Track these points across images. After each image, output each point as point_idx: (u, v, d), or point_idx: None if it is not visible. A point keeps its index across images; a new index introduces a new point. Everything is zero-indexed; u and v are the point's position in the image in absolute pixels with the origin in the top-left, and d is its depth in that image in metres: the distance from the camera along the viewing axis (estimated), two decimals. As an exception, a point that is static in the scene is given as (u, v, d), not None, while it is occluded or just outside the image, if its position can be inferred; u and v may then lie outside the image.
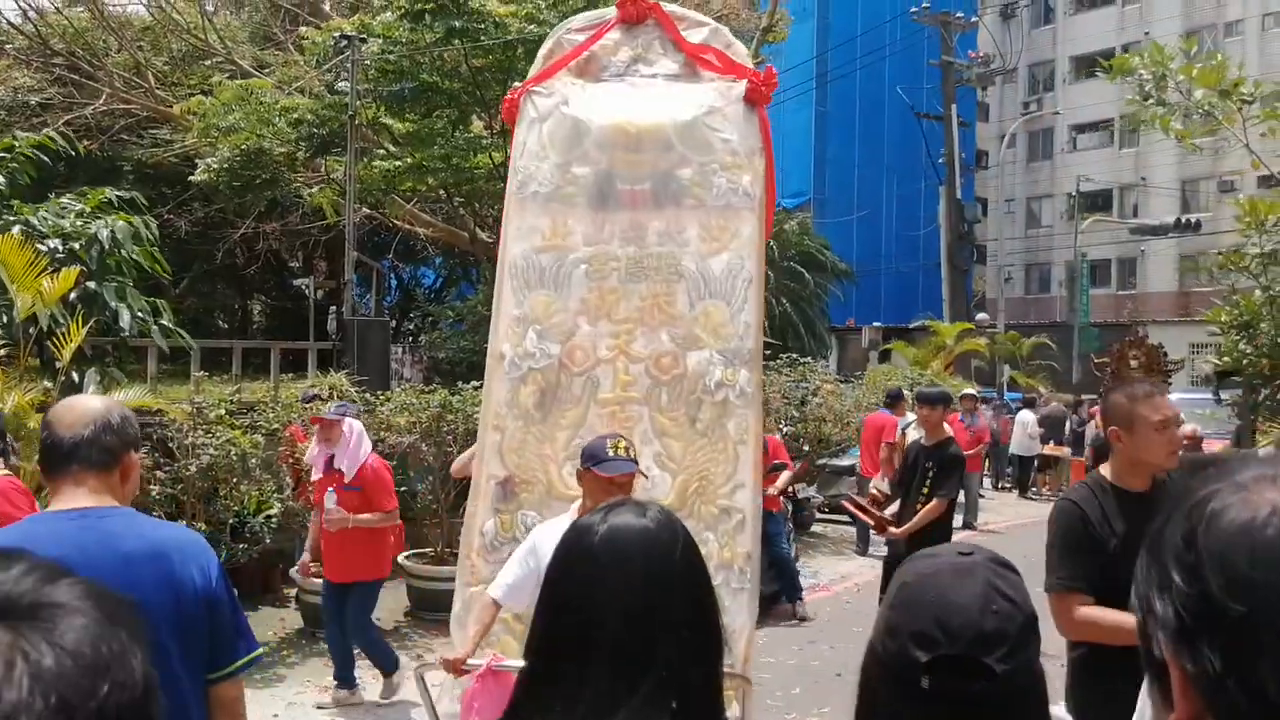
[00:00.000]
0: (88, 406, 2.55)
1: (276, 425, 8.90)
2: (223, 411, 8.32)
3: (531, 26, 13.82)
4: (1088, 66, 43.35)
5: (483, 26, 13.89)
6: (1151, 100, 8.13)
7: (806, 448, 12.91)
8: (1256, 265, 7.47)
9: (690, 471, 4.83)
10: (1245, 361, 7.06)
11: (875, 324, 29.30)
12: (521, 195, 5.17)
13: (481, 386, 10.93)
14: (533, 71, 5.48)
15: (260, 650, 2.65)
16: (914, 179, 35.97)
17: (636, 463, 3.82)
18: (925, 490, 7.06)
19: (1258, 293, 7.78)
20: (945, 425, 7.57)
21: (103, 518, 2.39)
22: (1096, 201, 40.12)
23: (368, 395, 9.51)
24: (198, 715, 2.41)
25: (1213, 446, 9.71)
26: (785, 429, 12.45)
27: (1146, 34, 39.06)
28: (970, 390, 16.45)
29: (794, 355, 14.71)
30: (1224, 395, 10.01)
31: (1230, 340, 7.23)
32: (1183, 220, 30.18)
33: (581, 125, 5.18)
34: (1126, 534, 3.17)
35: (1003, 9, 43.43)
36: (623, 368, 4.98)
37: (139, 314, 7.50)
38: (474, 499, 4.95)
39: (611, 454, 3.70)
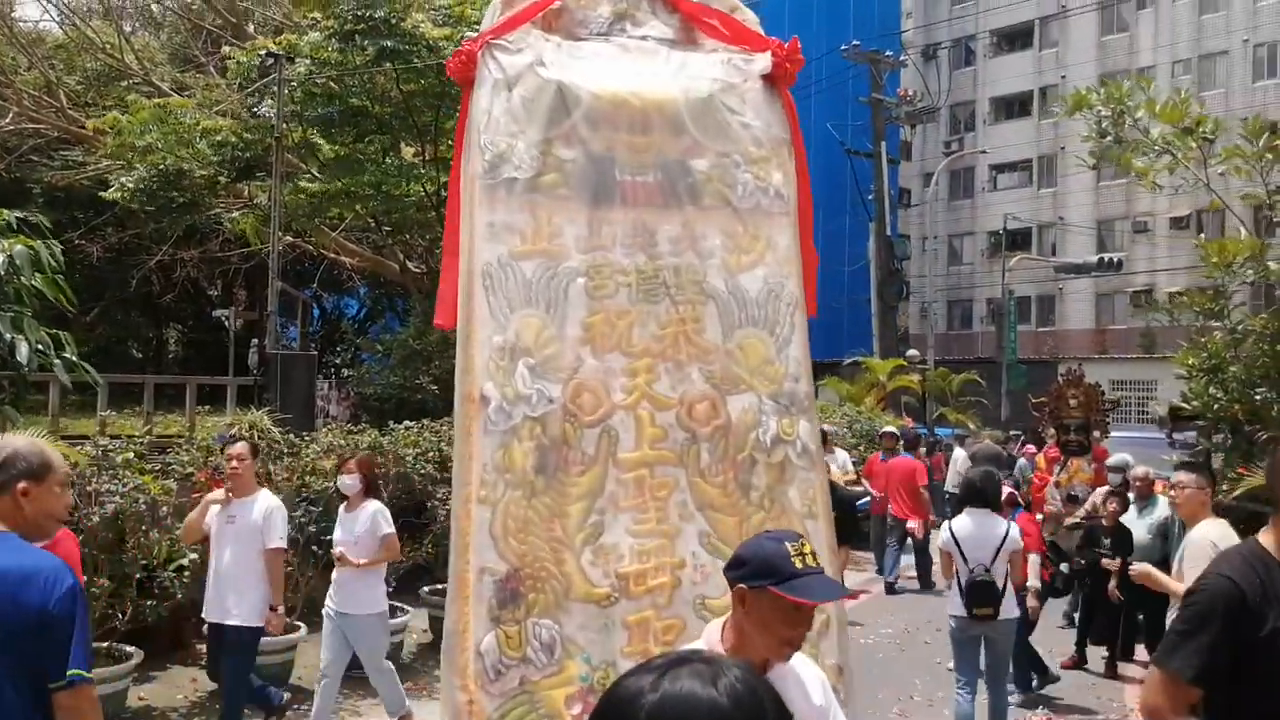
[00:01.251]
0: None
1: (191, 469, 8.25)
2: (130, 455, 7.65)
3: (467, 51, 13.39)
4: (1007, 108, 44.36)
5: (415, 50, 13.42)
6: (1109, 137, 7.94)
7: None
8: (1220, 306, 7.30)
9: None
10: (1216, 406, 6.85)
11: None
12: (491, 181, 3.90)
13: (415, 426, 10.61)
14: (488, 22, 4.23)
15: (83, 675, 2.78)
16: (840, 215, 36.17)
17: (841, 583, 2.80)
18: None
19: (1218, 335, 7.61)
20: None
21: None
22: (1016, 240, 40.75)
23: (292, 436, 8.90)
24: (32, 708, 2.72)
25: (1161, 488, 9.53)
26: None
27: (1063, 77, 40.00)
28: (890, 428, 14.74)
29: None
30: (1177, 437, 9.90)
31: (1199, 384, 7.02)
32: (1104, 259, 30.69)
33: (568, 93, 4.03)
34: None
35: (924, 50, 44.20)
36: (648, 416, 3.81)
37: (39, 347, 6.87)
38: (457, 602, 3.56)
39: (800, 565, 2.55)
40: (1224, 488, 8.12)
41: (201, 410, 12.77)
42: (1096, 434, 12.82)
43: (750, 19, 4.48)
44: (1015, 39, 44.50)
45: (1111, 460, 9.81)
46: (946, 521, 7.15)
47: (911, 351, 27.96)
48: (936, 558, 8.24)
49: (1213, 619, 2.77)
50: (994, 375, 31.90)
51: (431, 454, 9.49)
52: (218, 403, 13.95)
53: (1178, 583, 5.60)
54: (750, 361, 3.98)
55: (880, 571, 13.03)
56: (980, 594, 6.44)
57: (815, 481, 3.94)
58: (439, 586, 9.73)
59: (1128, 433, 15.05)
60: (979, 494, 6.67)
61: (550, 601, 3.58)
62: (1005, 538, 6.52)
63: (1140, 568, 6.03)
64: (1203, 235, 7.64)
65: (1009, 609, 6.57)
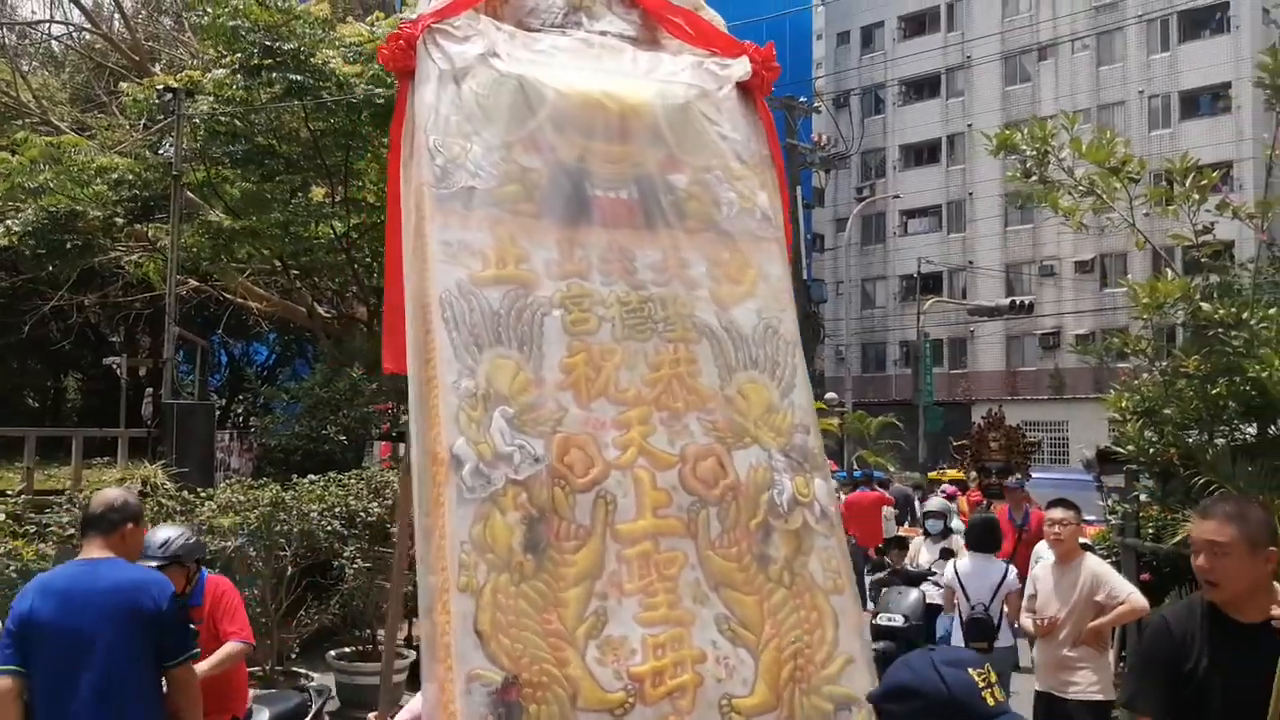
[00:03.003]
0: (105, 494, 4.10)
1: (72, 530, 7.64)
2: (2, 516, 7.03)
3: (379, 90, 12.99)
4: (916, 155, 45.34)
5: (325, 86, 12.99)
6: (1034, 177, 7.84)
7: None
8: (1152, 349, 7.20)
9: (777, 645, 3.12)
10: (1151, 450, 6.72)
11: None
12: (445, 190, 3.24)
13: (321, 479, 10.08)
14: (425, 4, 3.67)
15: (195, 651, 4.06)
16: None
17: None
18: None
19: (1145, 376, 7.51)
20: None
21: (98, 564, 3.86)
22: (928, 283, 41.46)
23: (186, 492, 8.33)
24: (152, 690, 3.86)
25: (1088, 532, 9.43)
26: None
27: (969, 125, 40.97)
28: None
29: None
30: (1106, 480, 9.84)
31: (1134, 428, 6.89)
32: (1015, 302, 31.25)
33: (530, 90, 3.43)
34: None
35: (835, 98, 45.05)
36: (648, 477, 3.16)
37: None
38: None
39: (991, 702, 2.03)
40: (1149, 531, 8.01)
41: (94, 464, 12.03)
42: (1017, 476, 12.76)
43: (716, 20, 3.99)
44: (923, 88, 45.60)
45: (931, 504, 10.25)
46: (951, 561, 7.95)
47: (829, 395, 28.05)
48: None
49: (1156, 657, 3.10)
50: (910, 417, 32.16)
51: (338, 509, 8.98)
52: (113, 455, 13.19)
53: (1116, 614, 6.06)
54: (753, 410, 3.39)
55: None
56: (978, 630, 7.10)
57: (837, 550, 3.38)
58: (346, 650, 9.21)
59: (1048, 474, 15.09)
60: (983, 539, 7.45)
61: (555, 713, 2.86)
62: (1003, 579, 7.20)
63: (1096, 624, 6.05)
64: (1129, 276, 7.58)
65: (1004, 638, 7.23)
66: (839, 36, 47.99)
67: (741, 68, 3.83)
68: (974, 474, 13.03)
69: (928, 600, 8.84)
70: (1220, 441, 7.01)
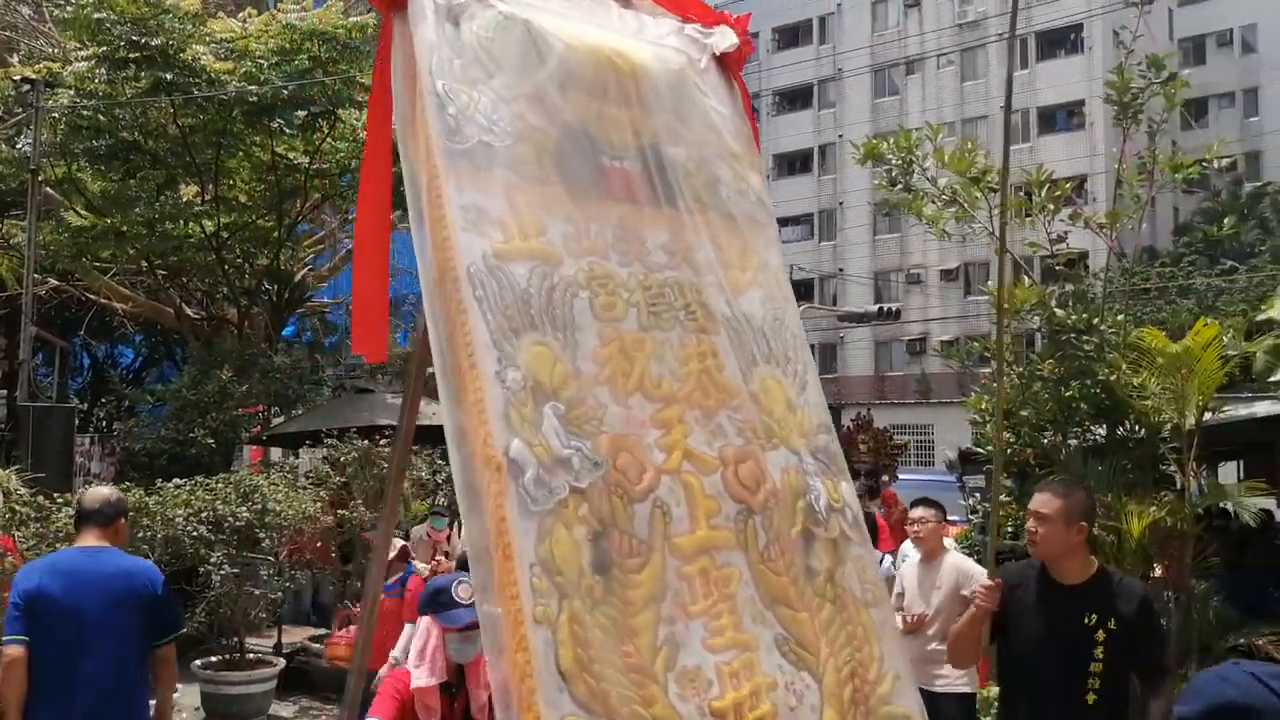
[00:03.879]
0: (98, 491, 4.78)
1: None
2: None
3: (252, 86, 12.70)
4: (789, 164, 46.27)
5: (195, 83, 12.64)
6: (899, 186, 8.13)
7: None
8: (1012, 353, 7.53)
9: (835, 665, 2.83)
10: (1010, 451, 7.03)
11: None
12: (459, 146, 2.74)
13: (187, 483, 9.76)
14: None
15: (183, 630, 4.96)
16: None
17: None
18: None
19: (1005, 380, 7.84)
20: None
21: (100, 551, 4.45)
22: (800, 290, 42.34)
23: (42, 497, 7.99)
24: (145, 665, 4.51)
25: (950, 531, 9.75)
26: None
27: (840, 136, 42.05)
28: None
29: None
30: (967, 480, 10.22)
31: (993, 429, 7.21)
32: (883, 309, 32.14)
33: (538, 38, 3.01)
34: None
35: (714, 106, 45.59)
36: (696, 483, 2.79)
37: None
38: None
39: None
40: (1009, 529, 8.37)
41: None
42: (885, 478, 13.13)
43: None
44: (796, 99, 46.57)
45: None
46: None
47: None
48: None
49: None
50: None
51: (205, 513, 8.74)
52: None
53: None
54: (775, 409, 3.07)
55: None
56: None
57: (868, 559, 3.13)
58: (212, 659, 8.98)
59: (914, 475, 15.58)
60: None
61: None
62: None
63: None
64: (990, 283, 7.91)
65: None
66: (716, 46, 48.63)
67: (724, 38, 3.51)
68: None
69: None
70: (1073, 442, 7.39)
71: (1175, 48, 35.73)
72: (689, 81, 3.34)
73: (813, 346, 43.66)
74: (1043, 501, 3.95)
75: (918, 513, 6.56)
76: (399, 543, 7.71)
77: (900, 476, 14.53)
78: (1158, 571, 6.57)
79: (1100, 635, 3.80)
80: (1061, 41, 39.90)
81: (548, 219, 2.82)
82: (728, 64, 3.52)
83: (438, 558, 9.77)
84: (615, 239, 2.95)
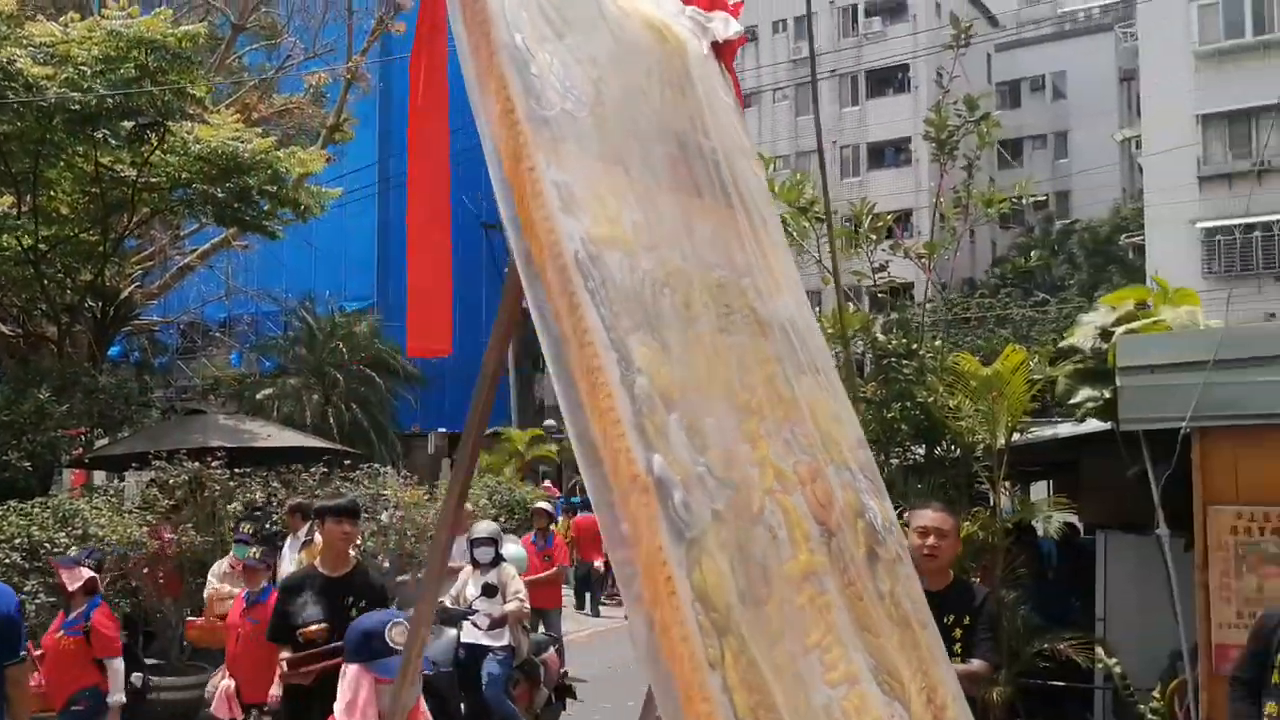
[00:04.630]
0: None
1: None
2: None
3: (74, 94, 12.19)
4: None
5: (11, 87, 12.05)
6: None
7: (387, 564, 12.05)
8: (842, 372, 7.87)
9: (915, 691, 2.62)
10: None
11: (441, 430, 28.98)
12: (546, 113, 2.29)
13: (1, 508, 9.20)
14: None
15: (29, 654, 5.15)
16: (477, 287, 36.47)
17: None
18: None
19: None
20: None
21: None
22: (645, 315, 42.86)
23: None
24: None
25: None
26: (366, 545, 11.55)
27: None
28: (544, 504, 13.04)
29: (373, 464, 13.85)
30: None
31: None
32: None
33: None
34: None
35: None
36: (789, 504, 2.49)
37: None
38: None
39: None
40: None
41: None
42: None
43: None
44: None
45: (480, 529, 8.59)
46: None
47: (549, 422, 28.43)
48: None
49: None
50: (626, 444, 33.02)
51: (19, 540, 8.32)
52: None
53: None
54: (823, 421, 2.80)
55: (580, 608, 17.58)
56: None
57: (915, 580, 2.94)
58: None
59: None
60: None
61: None
62: None
63: None
64: (817, 309, 8.26)
65: None
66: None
67: (727, 26, 3.16)
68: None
69: (466, 640, 8.08)
70: (894, 461, 7.78)
71: (993, 90, 37.85)
72: (710, 65, 3.04)
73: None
74: (940, 519, 4.45)
75: None
76: (85, 572, 6.73)
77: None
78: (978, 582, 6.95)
79: (957, 633, 4.33)
80: (890, 80, 41.73)
81: (620, 204, 2.42)
82: (722, 53, 3.20)
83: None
84: (675, 232, 2.58)
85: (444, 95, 2.71)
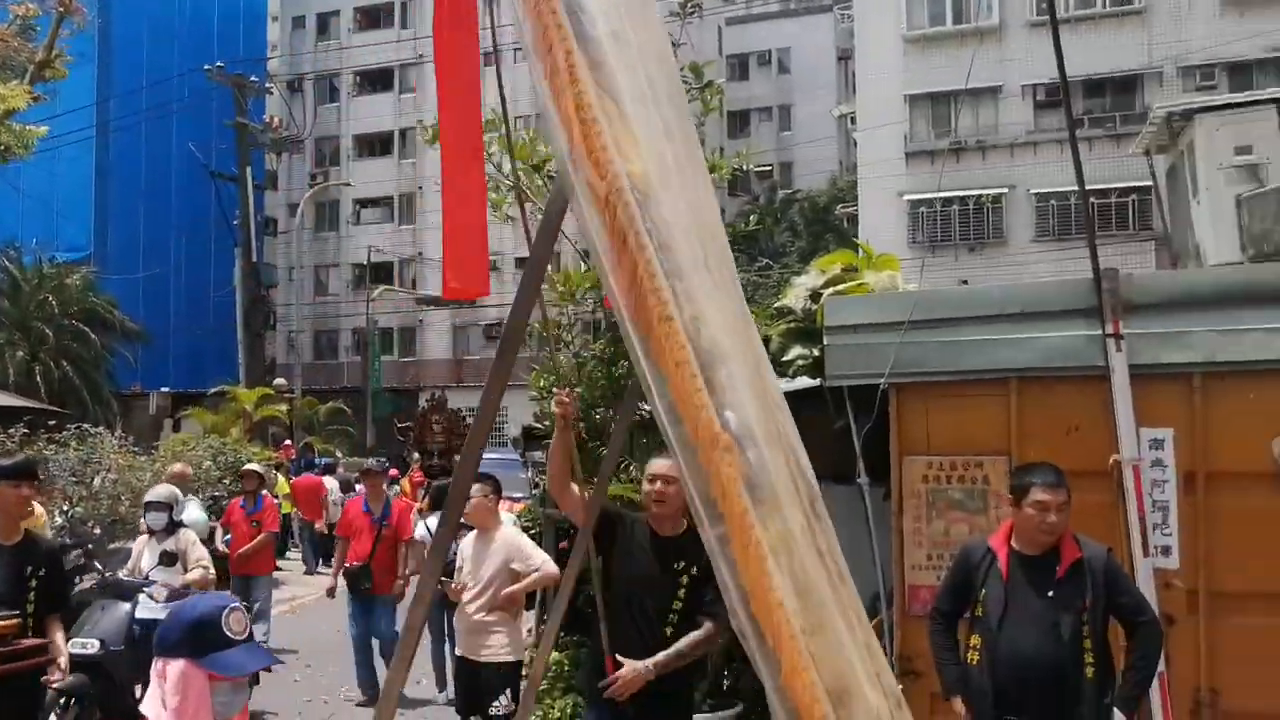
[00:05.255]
0: None
1: None
2: None
3: None
4: (370, 145, 45.60)
5: None
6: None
7: (98, 530, 11.34)
8: (569, 334, 8.05)
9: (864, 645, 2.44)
10: (566, 423, 7.51)
11: (164, 389, 27.38)
12: (595, 31, 1.96)
13: None
14: None
15: None
16: (204, 240, 34.58)
17: None
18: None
19: (561, 357, 8.31)
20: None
21: None
22: (380, 272, 41.96)
23: None
24: None
25: (516, 508, 10.18)
26: (75, 512, 10.86)
27: (420, 121, 41.99)
28: (254, 466, 12.07)
29: (83, 425, 12.95)
30: (531, 455, 10.70)
31: (549, 405, 7.68)
32: (461, 293, 32.57)
33: None
34: None
35: (290, 83, 44.01)
36: (780, 462, 2.18)
37: None
38: None
39: None
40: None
41: None
42: (457, 457, 13.40)
43: None
44: (377, 81, 45.91)
45: (155, 492, 8.02)
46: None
47: (279, 380, 27.42)
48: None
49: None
50: (360, 404, 32.40)
51: None
52: None
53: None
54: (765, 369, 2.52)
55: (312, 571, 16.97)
56: None
57: (832, 531, 2.63)
58: None
59: (488, 454, 16.04)
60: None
61: None
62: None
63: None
64: (551, 270, 8.39)
65: None
66: (294, 20, 46.91)
67: None
68: (416, 455, 13.49)
69: (141, 616, 7.17)
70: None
71: (722, 60, 39.18)
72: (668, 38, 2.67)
73: (391, 330, 43.40)
74: (669, 466, 4.59)
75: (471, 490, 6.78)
76: None
77: (474, 456, 14.88)
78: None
79: (684, 580, 4.55)
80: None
81: (633, 149, 2.11)
82: None
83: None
84: (667, 170, 2.26)
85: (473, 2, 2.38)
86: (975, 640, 4.35)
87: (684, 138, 2.41)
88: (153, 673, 2.72)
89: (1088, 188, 6.07)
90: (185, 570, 7.50)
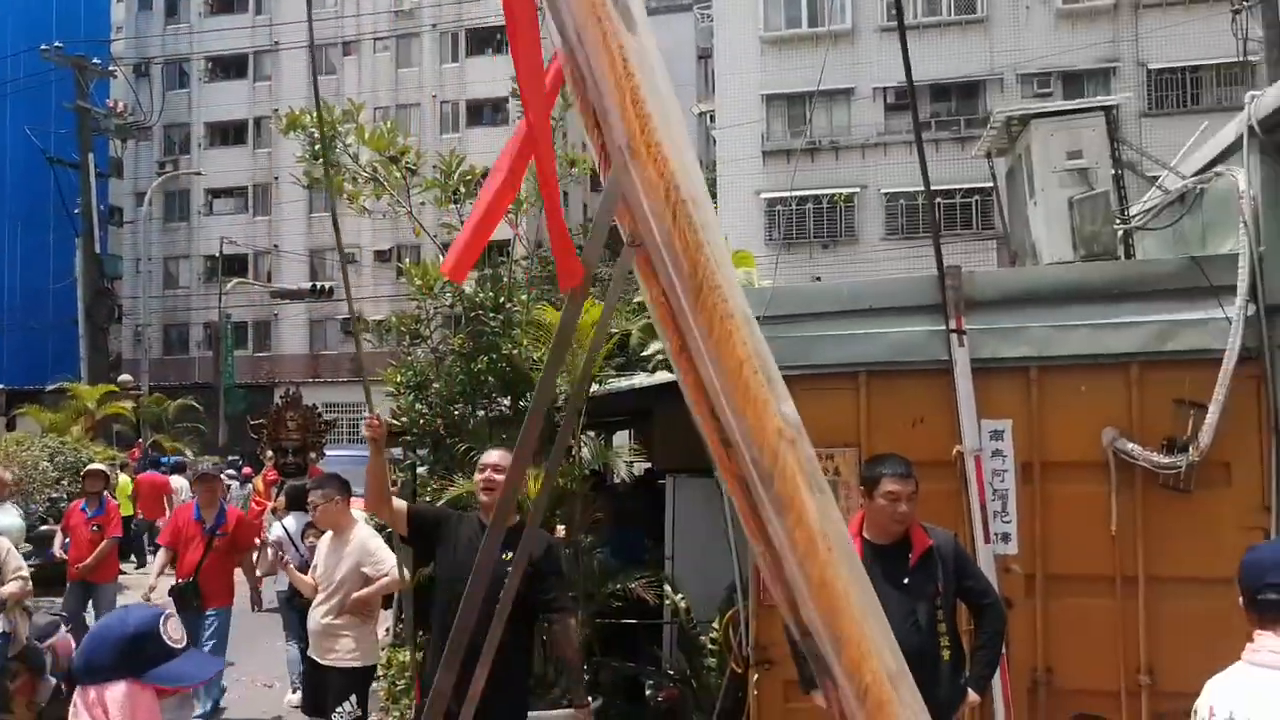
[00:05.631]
0: None
1: None
2: None
3: None
4: (223, 134, 44.09)
5: None
6: (319, 160, 8.22)
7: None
8: (427, 329, 7.94)
9: None
10: (422, 420, 7.43)
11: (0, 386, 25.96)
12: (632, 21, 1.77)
13: None
14: None
15: None
16: (43, 229, 32.87)
17: None
18: None
19: (420, 352, 8.23)
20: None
21: None
22: (233, 265, 40.63)
23: None
24: None
25: (358, 505, 9.98)
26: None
27: (275, 110, 40.84)
28: (98, 466, 11.81)
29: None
30: (390, 450, 10.50)
31: (406, 400, 7.57)
32: (317, 286, 31.82)
33: None
34: None
35: (136, 66, 42.26)
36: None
37: None
38: None
39: None
40: (427, 497, 8.82)
41: None
42: (313, 455, 13.10)
43: None
44: (230, 67, 44.48)
45: None
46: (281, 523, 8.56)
47: (124, 376, 26.30)
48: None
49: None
50: (212, 400, 31.31)
51: None
52: None
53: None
54: None
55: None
56: None
57: None
58: None
59: (343, 451, 15.72)
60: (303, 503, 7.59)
61: None
62: None
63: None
64: (407, 262, 8.28)
65: None
66: (140, 2, 45.03)
67: None
68: (271, 453, 13.10)
69: None
70: (481, 413, 7.97)
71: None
72: None
73: (245, 324, 42.03)
74: (502, 456, 4.87)
75: (311, 496, 6.61)
76: None
77: (328, 454, 14.52)
78: (561, 530, 7.24)
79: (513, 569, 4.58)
80: (489, 40, 42.02)
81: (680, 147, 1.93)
82: None
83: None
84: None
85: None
86: None
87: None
88: (76, 705, 2.32)
89: (934, 188, 6.30)
90: (1, 583, 6.98)
